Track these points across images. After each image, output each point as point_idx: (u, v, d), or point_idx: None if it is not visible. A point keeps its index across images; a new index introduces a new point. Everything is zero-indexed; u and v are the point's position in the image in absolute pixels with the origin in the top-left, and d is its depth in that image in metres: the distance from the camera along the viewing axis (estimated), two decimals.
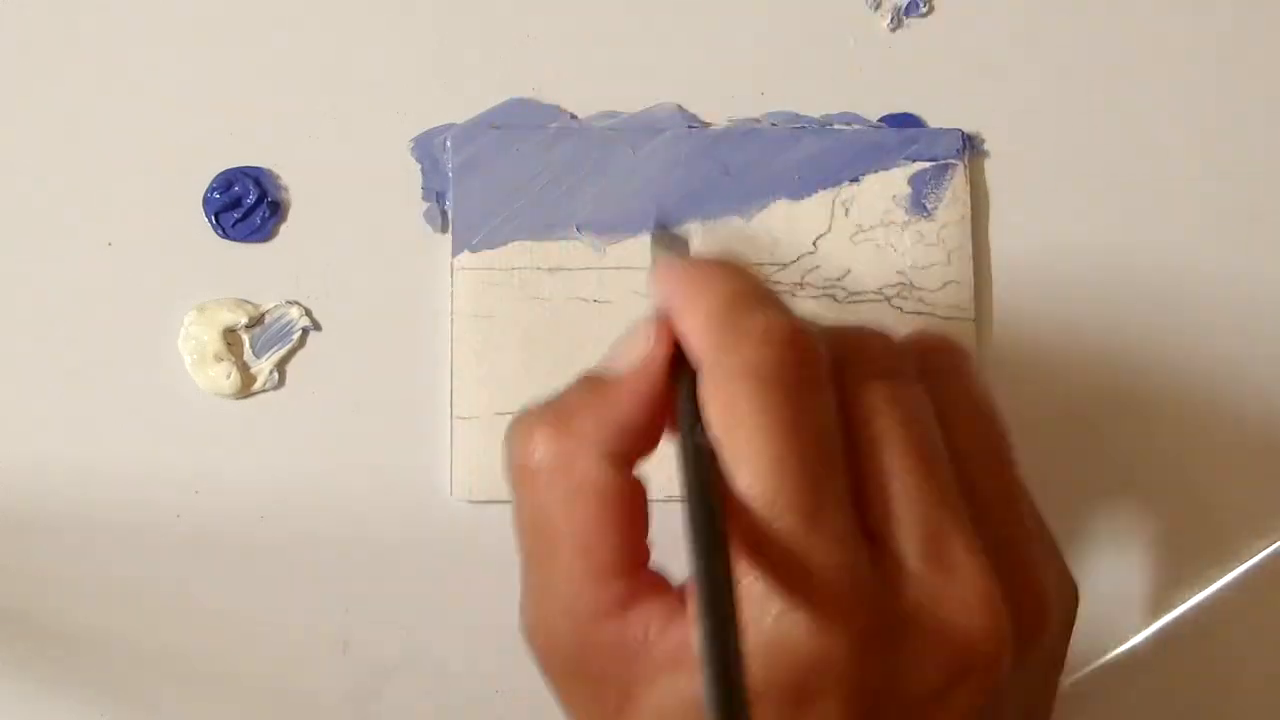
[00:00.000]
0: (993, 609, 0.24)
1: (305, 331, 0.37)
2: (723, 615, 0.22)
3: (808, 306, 0.37)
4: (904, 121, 0.38)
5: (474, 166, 0.37)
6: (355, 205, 0.37)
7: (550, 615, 0.26)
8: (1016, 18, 0.39)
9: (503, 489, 0.36)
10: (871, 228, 0.37)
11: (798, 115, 0.38)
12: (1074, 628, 0.28)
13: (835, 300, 0.37)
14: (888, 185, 0.38)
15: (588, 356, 0.37)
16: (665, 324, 0.26)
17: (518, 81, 0.38)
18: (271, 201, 0.37)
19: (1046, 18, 0.39)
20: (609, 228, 0.37)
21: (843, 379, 0.25)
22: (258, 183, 0.37)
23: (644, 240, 0.37)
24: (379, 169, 0.37)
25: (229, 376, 0.36)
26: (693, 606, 0.23)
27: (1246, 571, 0.38)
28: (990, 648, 0.24)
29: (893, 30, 0.39)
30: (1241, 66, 0.39)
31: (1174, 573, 0.38)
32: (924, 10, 0.39)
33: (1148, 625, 0.37)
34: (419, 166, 0.37)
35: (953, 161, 0.38)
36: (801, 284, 0.37)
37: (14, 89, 0.37)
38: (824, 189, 0.38)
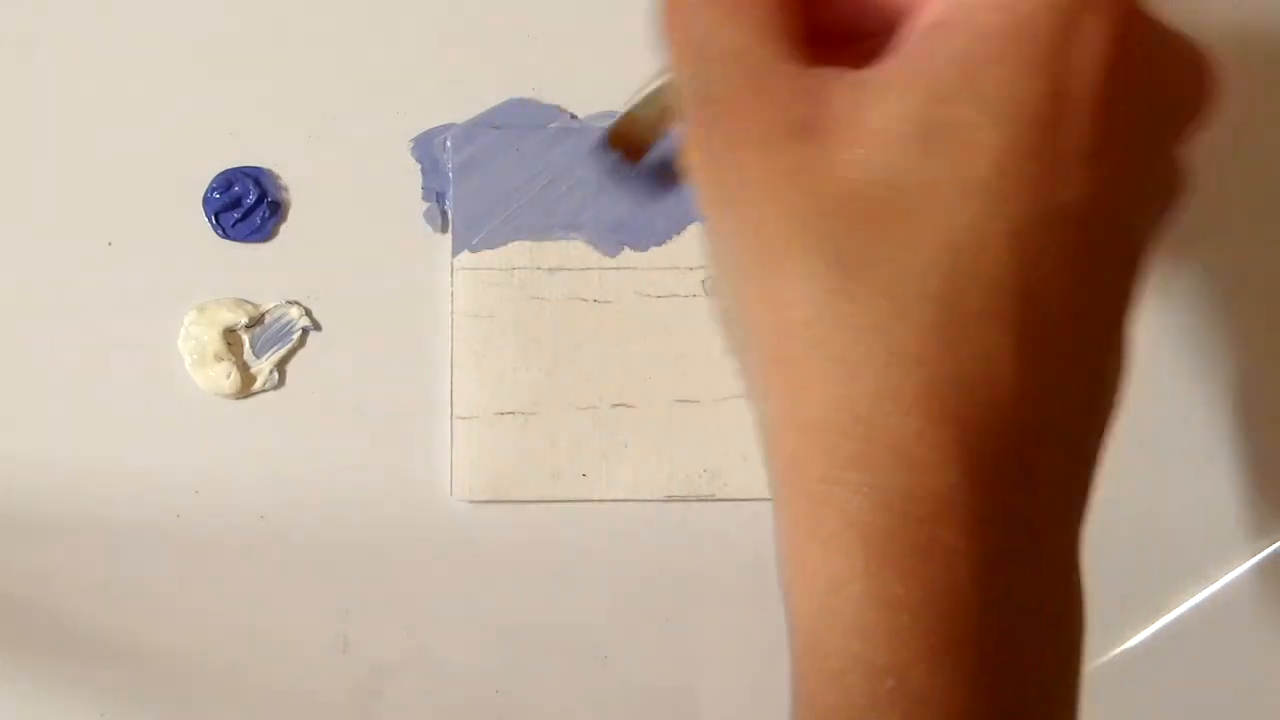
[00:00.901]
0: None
1: (305, 331, 0.37)
2: None
3: None
4: None
5: (474, 166, 0.37)
6: (355, 205, 0.37)
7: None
8: None
9: (503, 489, 0.37)
10: None
11: None
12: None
13: None
14: None
15: (588, 356, 0.37)
16: None
17: (518, 81, 0.38)
18: (271, 201, 0.37)
19: None
20: (609, 228, 0.37)
21: None
22: (258, 183, 0.37)
23: (639, 244, 0.37)
24: (379, 169, 0.37)
25: (229, 376, 0.36)
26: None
27: (1246, 571, 0.38)
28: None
29: None
30: None
31: (1174, 573, 0.38)
32: None
33: (1148, 625, 0.37)
34: (419, 166, 0.37)
35: None
36: None
37: (14, 89, 0.37)
38: None
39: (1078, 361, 0.23)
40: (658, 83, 0.28)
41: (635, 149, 0.34)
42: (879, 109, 0.23)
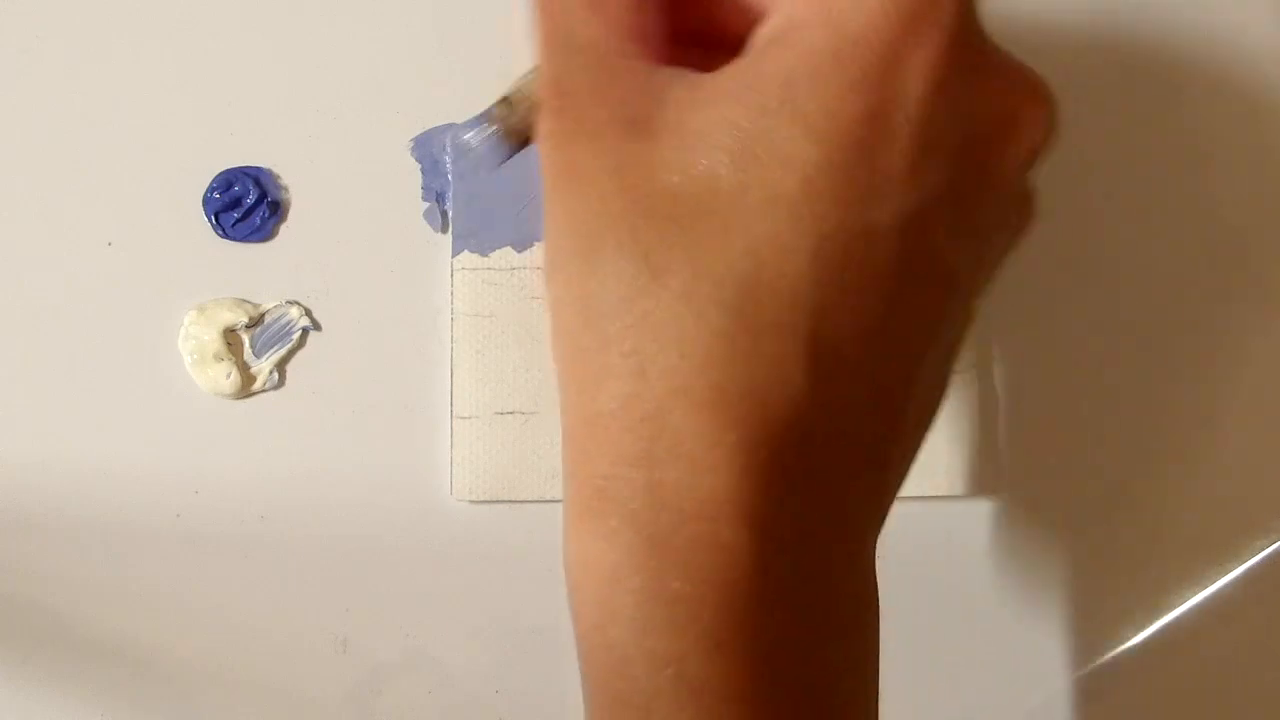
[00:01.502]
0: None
1: (305, 331, 0.37)
2: None
3: None
4: None
5: (474, 167, 0.37)
6: (355, 205, 0.37)
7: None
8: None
9: (503, 489, 0.37)
10: None
11: None
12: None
13: None
14: None
15: None
16: None
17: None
18: (271, 201, 0.37)
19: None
20: None
21: None
22: (258, 183, 0.37)
23: None
24: (379, 169, 0.37)
25: (229, 376, 0.36)
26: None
27: (1246, 571, 0.38)
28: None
29: None
30: None
31: (1174, 573, 0.38)
32: None
33: (1148, 625, 0.37)
34: (419, 166, 0.37)
35: None
36: None
37: (14, 89, 0.37)
38: None
39: (878, 378, 0.24)
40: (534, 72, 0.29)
41: (514, 134, 0.34)
42: (704, 114, 0.23)
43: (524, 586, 0.37)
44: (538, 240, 0.37)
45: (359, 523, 0.36)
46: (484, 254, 0.37)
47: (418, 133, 0.37)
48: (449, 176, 0.37)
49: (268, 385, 0.37)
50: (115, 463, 0.36)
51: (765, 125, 0.22)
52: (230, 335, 0.36)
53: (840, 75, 0.22)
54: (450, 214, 0.37)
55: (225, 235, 0.37)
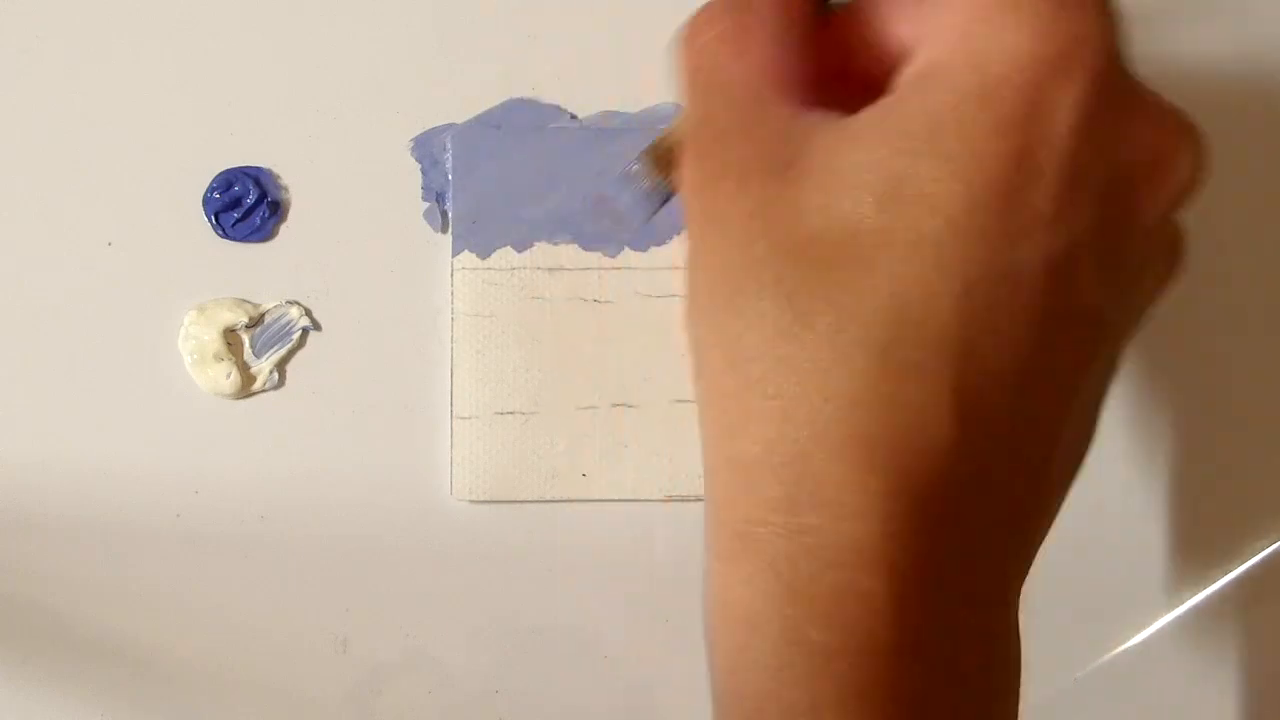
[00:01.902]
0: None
1: (305, 331, 0.37)
2: None
3: None
4: None
5: (474, 167, 0.37)
6: (355, 205, 0.37)
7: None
8: None
9: (502, 489, 0.37)
10: None
11: None
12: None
13: None
14: None
15: (588, 356, 0.37)
16: None
17: (518, 81, 0.38)
18: (271, 201, 0.37)
19: None
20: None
21: None
22: (258, 183, 0.37)
23: (638, 246, 0.37)
24: (379, 169, 0.37)
25: (229, 376, 0.36)
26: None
27: (1246, 571, 0.38)
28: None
29: None
30: None
31: (1174, 573, 0.38)
32: None
33: (1148, 625, 0.37)
34: (419, 166, 0.37)
35: None
36: None
37: (14, 89, 0.37)
38: None
39: (1022, 424, 0.23)
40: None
41: (667, 169, 0.35)
42: (847, 157, 0.23)
43: (524, 586, 0.36)
44: (538, 240, 0.37)
45: (359, 523, 0.36)
46: (484, 254, 0.37)
47: (418, 133, 0.37)
48: (449, 176, 0.37)
49: (268, 385, 0.37)
50: (115, 463, 0.36)
51: (910, 167, 0.22)
52: (230, 335, 0.36)
53: (986, 116, 0.22)
54: (450, 214, 0.37)
55: (225, 235, 0.37)
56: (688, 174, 0.25)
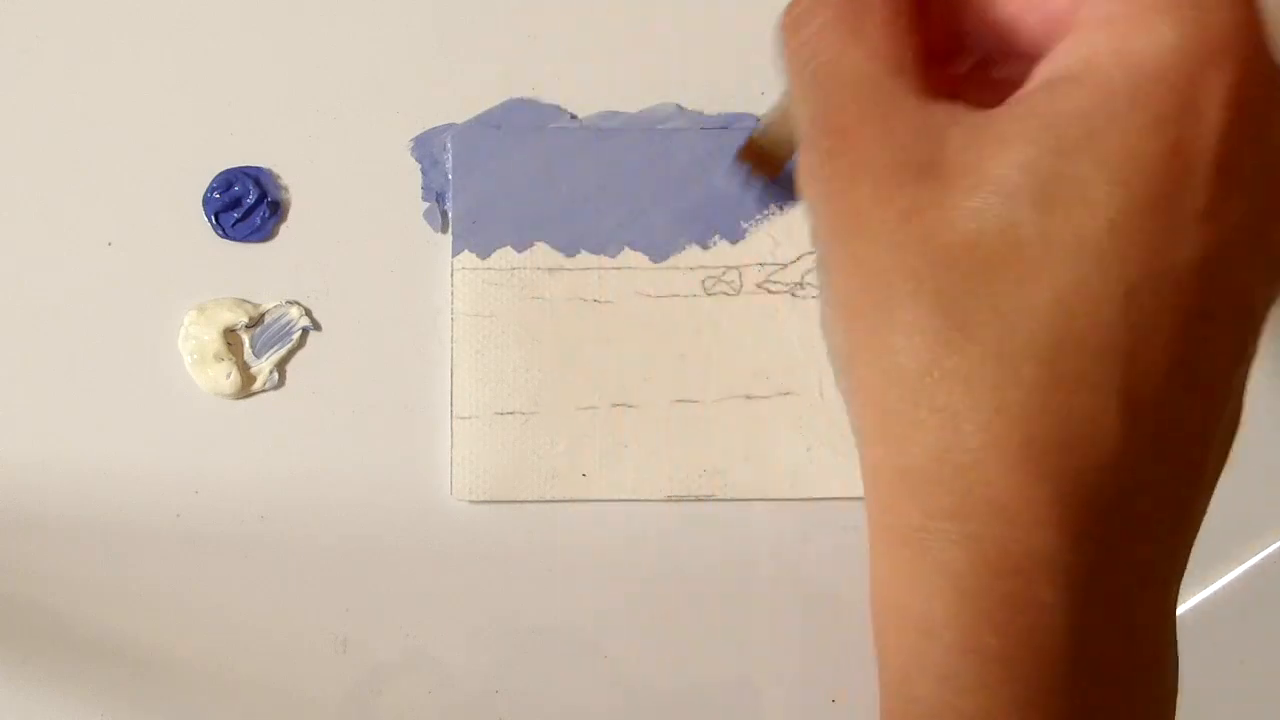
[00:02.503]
0: None
1: (305, 331, 0.37)
2: None
3: (809, 306, 0.37)
4: None
5: (474, 167, 0.37)
6: (355, 205, 0.37)
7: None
8: None
9: (502, 489, 0.37)
10: None
11: None
12: None
13: None
14: None
15: (588, 356, 0.37)
16: None
17: (518, 81, 0.38)
18: (271, 201, 0.37)
19: None
20: (609, 228, 0.37)
21: None
22: (258, 183, 0.37)
23: (639, 244, 0.37)
24: (379, 169, 0.37)
25: (229, 376, 0.36)
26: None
27: (1246, 571, 0.38)
28: None
29: None
30: None
31: None
32: None
33: None
34: (419, 166, 0.37)
35: None
36: (801, 284, 0.37)
37: (14, 89, 0.37)
38: None
39: (1184, 423, 0.23)
40: (787, 99, 0.28)
41: (768, 163, 0.34)
42: (999, 158, 0.22)
43: (524, 586, 0.37)
44: (538, 240, 0.37)
45: (359, 523, 0.36)
46: (484, 254, 0.37)
47: (418, 133, 0.37)
48: (449, 176, 0.37)
49: (268, 385, 0.37)
50: (115, 463, 0.36)
51: (1065, 168, 0.22)
52: (230, 335, 0.36)
53: (1140, 114, 0.22)
54: (450, 214, 0.37)
55: (225, 235, 0.37)
56: (816, 172, 0.24)
